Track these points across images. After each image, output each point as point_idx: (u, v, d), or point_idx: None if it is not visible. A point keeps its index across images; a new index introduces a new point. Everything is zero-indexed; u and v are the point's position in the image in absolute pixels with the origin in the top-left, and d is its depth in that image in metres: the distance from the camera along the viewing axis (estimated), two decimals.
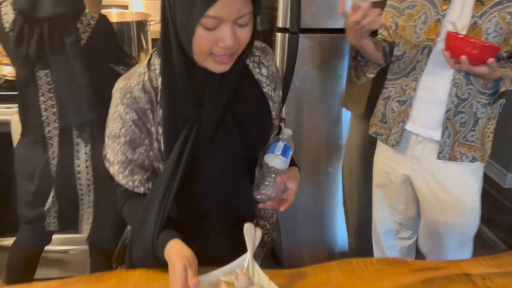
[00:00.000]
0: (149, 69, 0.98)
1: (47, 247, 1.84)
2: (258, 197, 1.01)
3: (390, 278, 1.06)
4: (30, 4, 1.41)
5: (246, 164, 1.05)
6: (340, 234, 2.16)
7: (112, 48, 1.59)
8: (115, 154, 1.00)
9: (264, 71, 1.07)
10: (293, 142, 1.05)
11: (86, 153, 1.63)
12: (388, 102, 1.59)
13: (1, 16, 1.48)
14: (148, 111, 0.97)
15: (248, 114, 1.04)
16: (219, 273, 0.94)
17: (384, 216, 1.78)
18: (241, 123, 1.02)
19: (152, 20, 2.09)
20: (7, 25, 1.47)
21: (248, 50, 0.95)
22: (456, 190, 1.55)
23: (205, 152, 0.99)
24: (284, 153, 1.01)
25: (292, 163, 1.09)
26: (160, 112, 0.96)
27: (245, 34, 0.89)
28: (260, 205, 1.03)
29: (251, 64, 1.06)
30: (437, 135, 1.50)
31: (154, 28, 2.20)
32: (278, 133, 1.12)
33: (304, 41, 1.75)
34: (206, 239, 1.07)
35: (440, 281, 1.07)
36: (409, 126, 1.54)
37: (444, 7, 1.42)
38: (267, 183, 1.00)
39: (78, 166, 1.64)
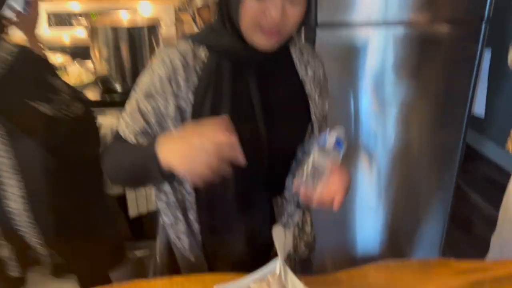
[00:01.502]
0: (194, 45, 0.92)
1: None
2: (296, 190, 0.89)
3: (435, 282, 0.97)
4: None
5: (266, 159, 0.96)
6: (361, 238, 2.07)
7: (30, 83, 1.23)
8: (130, 102, 0.94)
9: (310, 72, 1.01)
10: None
11: None
12: None
13: None
14: (181, 71, 0.90)
15: (281, 109, 0.97)
16: (249, 281, 0.86)
17: None
18: (272, 115, 0.94)
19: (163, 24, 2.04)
20: None
21: (295, 34, 0.90)
22: None
23: None
24: (337, 145, 0.89)
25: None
26: (194, 79, 0.91)
27: (294, 12, 0.84)
28: (302, 197, 0.89)
29: (298, 63, 1.00)
30: None
31: (166, 32, 2.14)
32: None
33: (322, 35, 1.70)
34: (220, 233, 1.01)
35: (490, 284, 0.97)
36: None
37: None
38: (310, 176, 0.88)
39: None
